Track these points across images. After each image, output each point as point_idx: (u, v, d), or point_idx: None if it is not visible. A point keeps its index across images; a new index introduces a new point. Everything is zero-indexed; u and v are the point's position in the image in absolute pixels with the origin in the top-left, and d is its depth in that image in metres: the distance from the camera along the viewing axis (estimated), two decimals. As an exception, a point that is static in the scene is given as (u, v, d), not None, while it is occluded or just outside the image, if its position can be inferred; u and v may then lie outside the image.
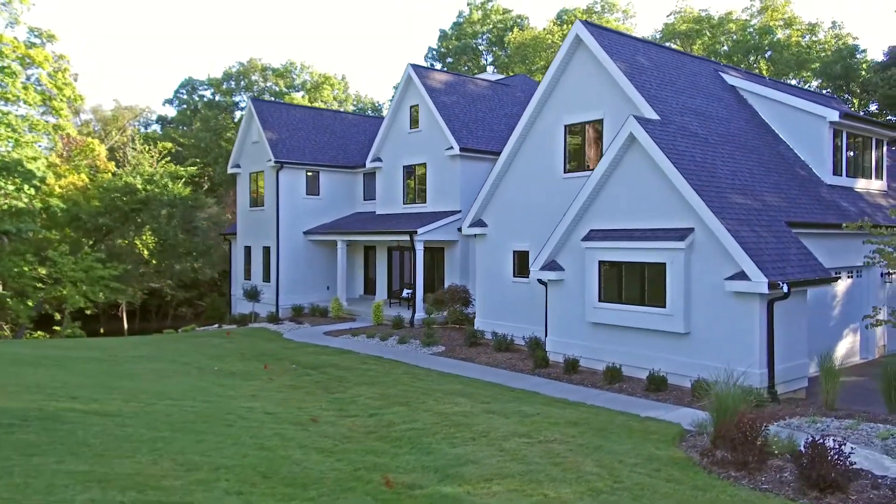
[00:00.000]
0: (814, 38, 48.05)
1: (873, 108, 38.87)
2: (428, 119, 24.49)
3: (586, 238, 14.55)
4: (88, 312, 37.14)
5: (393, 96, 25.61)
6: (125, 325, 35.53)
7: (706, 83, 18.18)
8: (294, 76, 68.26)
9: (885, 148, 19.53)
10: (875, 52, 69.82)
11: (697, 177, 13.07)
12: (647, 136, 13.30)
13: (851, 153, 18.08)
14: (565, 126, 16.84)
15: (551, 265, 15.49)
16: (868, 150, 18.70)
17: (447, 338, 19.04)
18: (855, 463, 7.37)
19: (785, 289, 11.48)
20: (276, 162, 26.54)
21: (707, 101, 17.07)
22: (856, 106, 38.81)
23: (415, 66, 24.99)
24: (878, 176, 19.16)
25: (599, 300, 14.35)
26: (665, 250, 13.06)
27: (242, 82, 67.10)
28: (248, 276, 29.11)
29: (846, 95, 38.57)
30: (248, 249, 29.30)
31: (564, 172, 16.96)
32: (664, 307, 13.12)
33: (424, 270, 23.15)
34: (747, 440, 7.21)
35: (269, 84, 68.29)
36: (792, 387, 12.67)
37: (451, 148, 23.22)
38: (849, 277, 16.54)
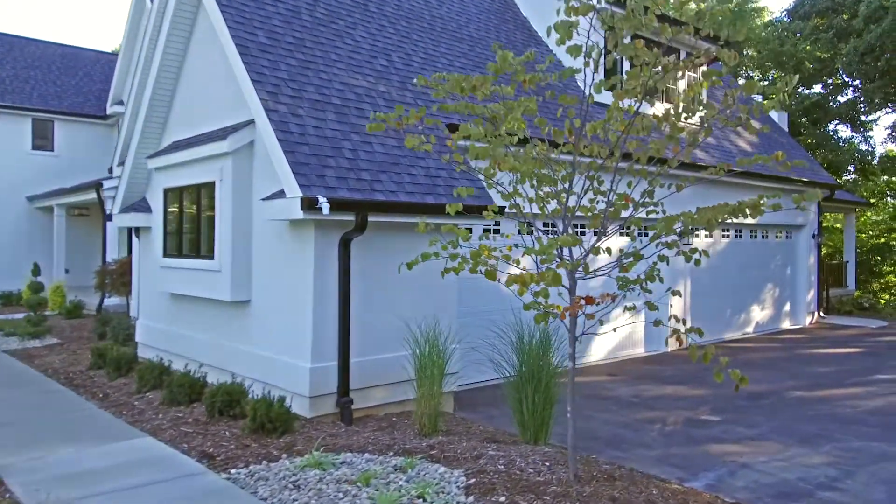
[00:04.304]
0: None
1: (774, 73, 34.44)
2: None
3: (155, 154, 9.06)
4: None
5: (128, 16, 19.84)
6: None
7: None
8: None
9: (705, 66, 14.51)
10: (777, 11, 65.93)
11: (278, 40, 7.68)
12: (200, -27, 7.87)
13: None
14: None
15: (137, 205, 9.98)
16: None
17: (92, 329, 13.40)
18: None
19: (325, 210, 6.10)
20: (-25, 103, 20.51)
21: (419, -25, 11.76)
22: (752, 67, 34.38)
23: (145, -22, 19.29)
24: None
25: (165, 254, 8.88)
26: (212, 160, 7.63)
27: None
28: (-32, 255, 22.94)
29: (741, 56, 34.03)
30: (-31, 221, 23.14)
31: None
32: (213, 258, 7.70)
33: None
34: None
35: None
36: (409, 394, 7.30)
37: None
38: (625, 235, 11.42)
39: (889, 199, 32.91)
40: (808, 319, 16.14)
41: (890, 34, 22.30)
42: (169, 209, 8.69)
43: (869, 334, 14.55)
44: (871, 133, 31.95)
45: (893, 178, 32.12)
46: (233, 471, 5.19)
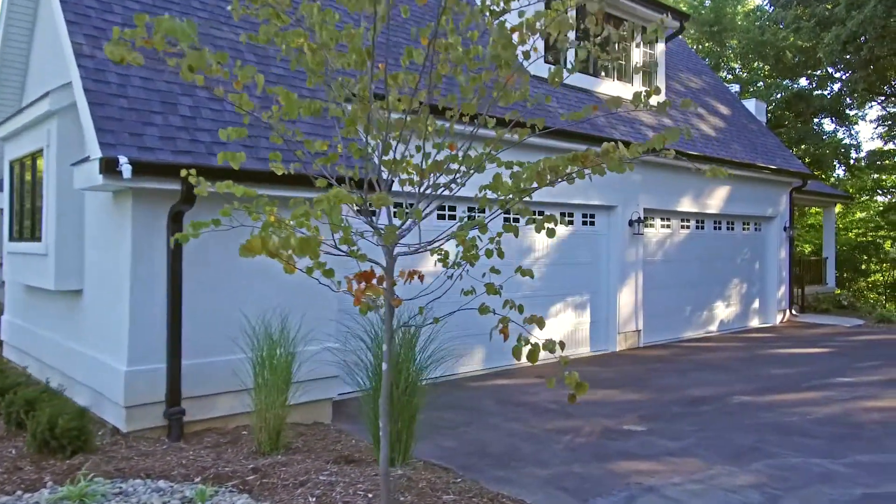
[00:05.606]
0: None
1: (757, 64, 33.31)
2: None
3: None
4: None
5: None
6: None
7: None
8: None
9: (648, 46, 13.37)
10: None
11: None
12: None
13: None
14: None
15: (-2, 185, 8.79)
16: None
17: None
18: None
19: (125, 173, 4.88)
20: None
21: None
22: (732, 59, 33.33)
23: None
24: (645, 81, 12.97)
25: (10, 237, 7.67)
26: (40, 124, 6.44)
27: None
28: None
29: (721, 48, 32.93)
30: None
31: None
32: (41, 240, 6.50)
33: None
34: None
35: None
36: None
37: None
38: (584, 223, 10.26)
39: (880, 197, 31.82)
40: (780, 318, 15.00)
41: (872, 21, 21.17)
42: (14, 185, 7.50)
43: (842, 333, 13.42)
44: (857, 127, 30.91)
45: (883, 176, 31.04)
46: (-36, 504, 4.00)
